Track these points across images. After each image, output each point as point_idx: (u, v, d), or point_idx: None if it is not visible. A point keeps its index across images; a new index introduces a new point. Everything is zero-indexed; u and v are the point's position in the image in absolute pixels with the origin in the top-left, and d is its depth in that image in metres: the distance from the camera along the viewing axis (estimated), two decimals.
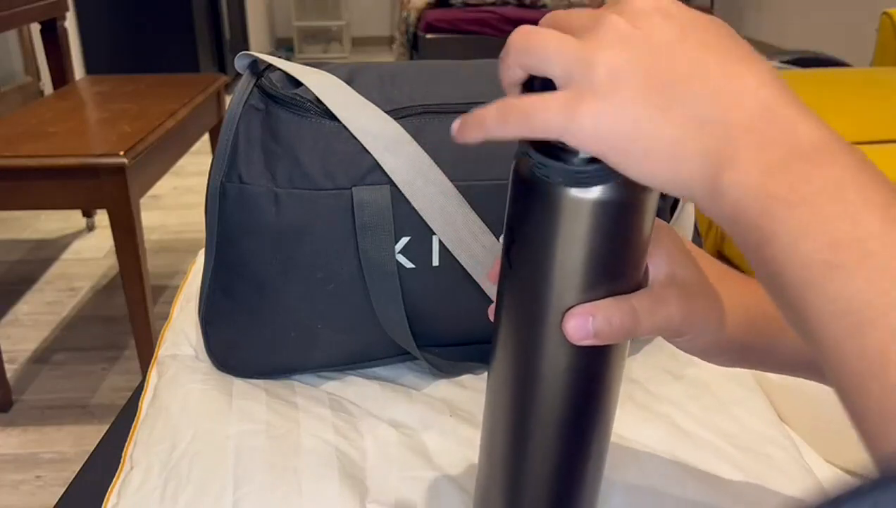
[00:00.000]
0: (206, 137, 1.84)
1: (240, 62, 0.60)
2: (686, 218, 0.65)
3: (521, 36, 0.31)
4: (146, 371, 0.67)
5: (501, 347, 0.39)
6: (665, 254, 0.38)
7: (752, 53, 0.29)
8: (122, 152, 1.29)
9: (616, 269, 0.35)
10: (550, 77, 0.30)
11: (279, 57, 0.62)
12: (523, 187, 0.34)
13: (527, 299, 0.36)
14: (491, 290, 0.58)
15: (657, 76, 0.28)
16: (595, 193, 0.32)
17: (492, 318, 0.40)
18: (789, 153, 0.26)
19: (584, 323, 0.34)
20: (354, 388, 0.63)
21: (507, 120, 0.31)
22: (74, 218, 2.38)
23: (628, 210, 0.33)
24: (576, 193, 0.32)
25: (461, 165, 0.57)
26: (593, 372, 0.37)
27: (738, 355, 0.40)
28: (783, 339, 0.40)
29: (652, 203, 0.34)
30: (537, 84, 0.31)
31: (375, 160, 0.56)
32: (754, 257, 0.27)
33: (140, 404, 0.62)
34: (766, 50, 4.64)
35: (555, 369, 0.37)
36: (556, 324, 0.35)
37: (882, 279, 0.23)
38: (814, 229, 0.24)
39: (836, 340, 0.24)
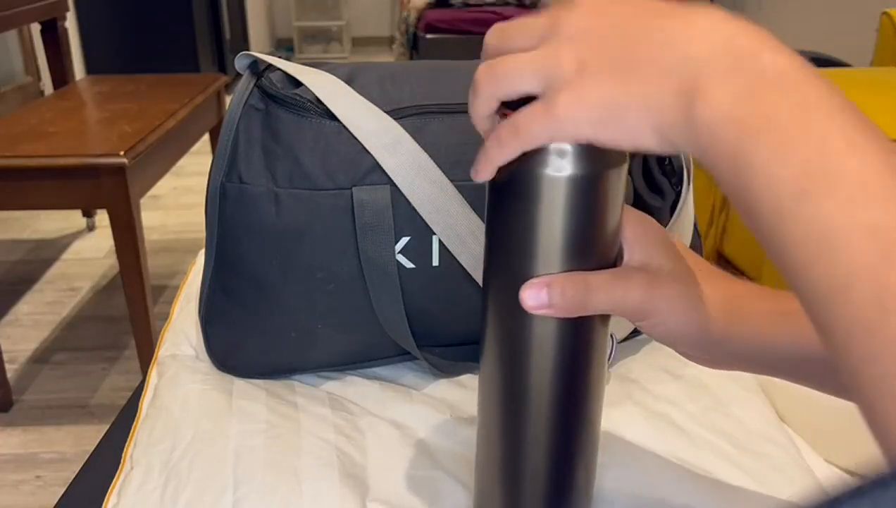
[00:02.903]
0: (206, 137, 1.84)
1: (240, 62, 0.60)
2: (686, 218, 0.65)
3: (487, 71, 0.34)
4: (146, 371, 0.67)
5: (487, 327, 0.41)
6: (642, 242, 0.39)
7: (701, 6, 0.30)
8: (122, 152, 1.29)
9: (581, 246, 0.36)
10: (530, 93, 0.32)
11: (279, 57, 0.62)
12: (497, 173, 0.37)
13: (501, 273, 0.39)
14: None
15: (615, 46, 0.30)
16: (562, 171, 0.34)
17: None
18: (756, 81, 0.27)
19: (538, 293, 0.36)
20: (354, 388, 0.63)
21: (503, 143, 0.34)
22: (74, 218, 2.38)
23: (590, 188, 0.35)
24: (545, 171, 0.35)
25: (461, 165, 0.57)
26: (570, 343, 0.39)
27: (712, 350, 0.41)
28: (760, 339, 0.40)
29: (615, 183, 0.36)
30: (512, 107, 0.34)
31: (375, 160, 0.56)
32: (730, 188, 0.28)
33: (140, 404, 0.62)
34: None
35: (533, 340, 0.39)
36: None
37: (849, 205, 0.24)
38: (786, 156, 0.25)
39: (807, 263, 0.25)
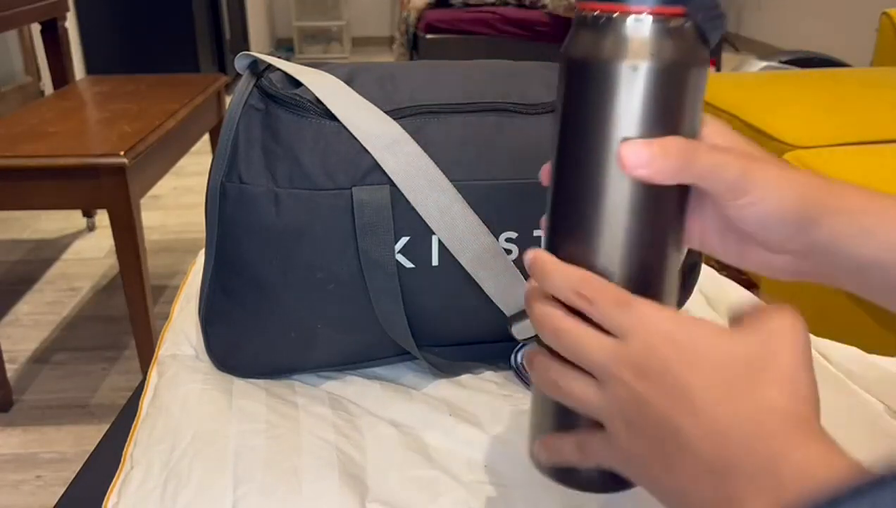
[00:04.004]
0: (206, 137, 1.84)
1: (240, 62, 0.60)
2: None
3: (556, 339, 0.35)
4: (146, 371, 0.67)
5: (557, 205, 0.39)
6: (724, 137, 0.38)
7: (781, 375, 0.30)
8: (122, 152, 1.29)
9: (669, 132, 0.35)
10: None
11: (279, 57, 0.62)
12: (576, 67, 0.36)
13: (575, 163, 0.37)
14: (489, 289, 0.58)
15: (654, 429, 0.31)
16: (644, 62, 0.34)
17: (546, 183, 0.40)
18: (781, 492, 0.27)
19: (640, 149, 0.34)
20: (354, 388, 0.63)
21: (564, 455, 0.38)
22: (74, 218, 2.38)
23: (675, 75, 0.35)
24: (625, 63, 0.34)
25: (461, 165, 0.57)
26: (646, 237, 0.37)
27: (805, 238, 0.37)
28: (860, 233, 0.37)
29: (697, 73, 0.35)
30: None
31: (375, 160, 0.56)
32: None
33: (140, 404, 0.62)
34: (766, 50, 4.65)
35: (607, 219, 0.36)
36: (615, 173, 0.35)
37: None
38: None
39: None
